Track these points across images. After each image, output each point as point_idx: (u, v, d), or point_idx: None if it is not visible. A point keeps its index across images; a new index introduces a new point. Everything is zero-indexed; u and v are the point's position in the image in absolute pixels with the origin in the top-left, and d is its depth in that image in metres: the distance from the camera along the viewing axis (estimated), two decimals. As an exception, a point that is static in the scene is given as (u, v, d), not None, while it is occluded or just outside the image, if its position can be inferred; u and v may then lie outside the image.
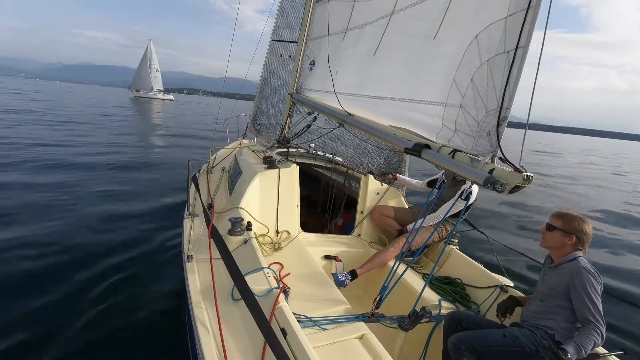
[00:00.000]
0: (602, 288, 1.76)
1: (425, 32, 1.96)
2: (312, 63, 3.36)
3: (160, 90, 60.74)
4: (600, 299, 1.71)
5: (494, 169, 1.40)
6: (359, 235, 3.23)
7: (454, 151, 1.58)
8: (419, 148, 1.70)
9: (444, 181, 1.75)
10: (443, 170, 2.80)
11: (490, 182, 1.35)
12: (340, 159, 3.92)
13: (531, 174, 1.31)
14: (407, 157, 4.54)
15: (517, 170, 1.35)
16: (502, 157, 1.45)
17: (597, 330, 1.64)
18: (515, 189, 1.34)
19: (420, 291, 2.14)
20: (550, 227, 1.93)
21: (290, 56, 4.61)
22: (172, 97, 65.20)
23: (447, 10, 1.81)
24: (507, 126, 1.46)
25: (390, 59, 2.35)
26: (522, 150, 1.36)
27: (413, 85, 2.07)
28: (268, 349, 1.43)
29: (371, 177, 3.34)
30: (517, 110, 1.32)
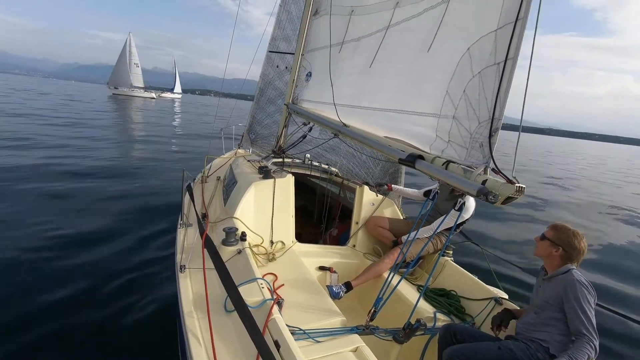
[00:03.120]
0: (596, 300, 1.76)
1: (420, 45, 2.00)
2: (309, 74, 3.40)
3: (140, 88, 58.40)
4: (593, 312, 1.71)
5: (486, 180, 1.41)
6: (354, 246, 3.22)
7: (448, 162, 1.60)
8: (412, 159, 1.71)
9: (437, 192, 1.76)
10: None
11: (483, 193, 1.35)
12: (336, 170, 3.94)
13: (523, 185, 1.32)
14: (403, 167, 4.57)
15: (509, 181, 1.36)
16: (495, 168, 1.46)
17: (591, 343, 1.64)
18: (508, 200, 1.34)
19: (414, 303, 2.13)
20: (542, 236, 1.97)
21: (286, 67, 4.66)
22: (153, 95, 63.35)
23: (441, 24, 1.85)
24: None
25: (385, 71, 2.38)
26: (514, 160, 1.37)
27: (408, 97, 2.10)
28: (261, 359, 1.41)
29: (366, 187, 3.35)
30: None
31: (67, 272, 3.76)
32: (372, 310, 2.07)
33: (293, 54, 4.38)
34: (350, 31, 2.87)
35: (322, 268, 2.82)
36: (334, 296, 2.48)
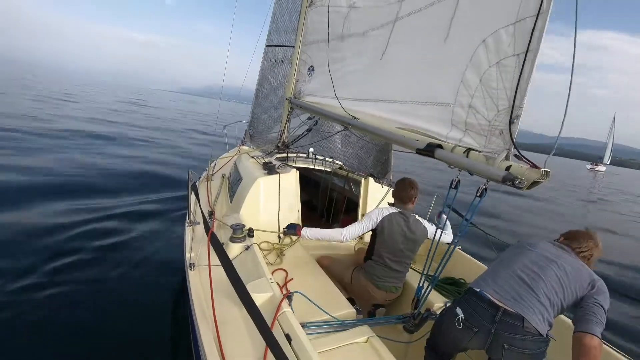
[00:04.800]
0: None
1: (433, 36, 1.99)
2: (312, 68, 3.36)
3: None
4: None
5: (510, 165, 1.43)
6: (361, 238, 3.23)
7: (468, 150, 1.61)
8: (431, 148, 1.71)
9: (459, 180, 1.75)
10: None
11: (509, 179, 1.37)
12: (340, 163, 3.93)
13: (548, 170, 1.35)
14: (392, 156, 4.64)
15: (533, 166, 1.38)
16: (518, 154, 1.48)
17: None
18: (534, 184, 1.37)
19: (424, 293, 2.16)
20: None
21: (275, 60, 4.61)
22: None
23: (455, 15, 1.85)
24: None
25: (395, 63, 2.36)
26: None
27: (420, 88, 2.10)
28: (270, 354, 1.41)
29: (371, 179, 3.36)
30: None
31: (75, 266, 3.68)
32: (415, 299, 2.14)
33: (283, 46, 4.38)
34: (353, 23, 2.84)
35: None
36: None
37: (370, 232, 2.61)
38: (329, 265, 2.74)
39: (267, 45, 4.59)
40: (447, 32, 1.88)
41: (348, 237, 2.52)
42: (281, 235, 2.86)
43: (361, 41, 2.66)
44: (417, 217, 2.61)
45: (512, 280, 1.68)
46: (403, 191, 2.58)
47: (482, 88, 1.67)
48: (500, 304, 1.60)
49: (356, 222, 2.58)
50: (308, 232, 2.60)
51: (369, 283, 2.51)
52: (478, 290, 1.70)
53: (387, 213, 2.51)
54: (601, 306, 1.57)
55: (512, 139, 1.49)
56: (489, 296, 1.64)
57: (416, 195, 2.60)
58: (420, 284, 2.12)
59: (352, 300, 2.51)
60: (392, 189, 2.69)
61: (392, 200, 2.69)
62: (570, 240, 1.88)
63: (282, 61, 4.39)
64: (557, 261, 1.71)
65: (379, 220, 2.49)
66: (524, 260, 1.75)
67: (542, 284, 1.63)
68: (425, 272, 2.10)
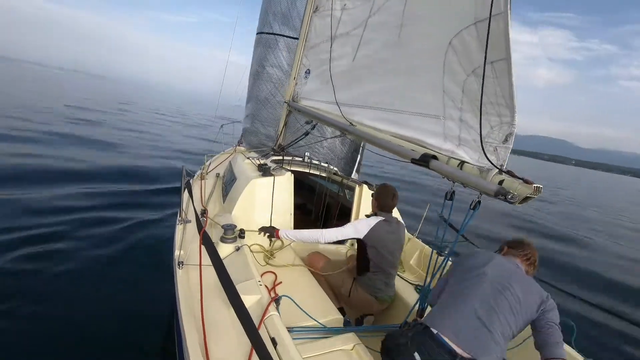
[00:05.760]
0: None
1: (395, 39, 1.97)
2: (308, 71, 3.36)
3: None
4: None
5: (503, 180, 1.43)
6: (353, 244, 3.22)
7: (462, 162, 1.61)
8: (427, 159, 1.71)
9: (454, 192, 1.69)
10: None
11: (502, 193, 1.37)
12: (335, 168, 3.92)
13: (540, 185, 1.36)
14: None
15: (526, 181, 1.39)
16: (509, 171, 1.48)
17: None
18: (525, 199, 1.37)
19: (413, 303, 2.15)
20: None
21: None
22: None
23: (404, 12, 1.81)
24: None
25: (377, 67, 2.33)
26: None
27: (402, 97, 2.07)
28: (254, 354, 1.40)
29: (365, 186, 3.36)
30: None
31: (63, 264, 3.63)
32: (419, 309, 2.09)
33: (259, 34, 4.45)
34: (342, 25, 2.85)
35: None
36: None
37: (355, 242, 2.57)
38: (322, 268, 2.66)
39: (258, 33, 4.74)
40: (399, 31, 1.83)
41: (327, 239, 2.41)
42: (272, 238, 2.85)
43: (345, 43, 2.66)
44: (396, 217, 2.61)
45: (470, 321, 1.61)
46: (389, 200, 2.54)
47: (467, 100, 1.64)
48: (459, 350, 1.54)
49: (339, 227, 2.46)
50: (288, 233, 2.51)
51: (369, 296, 2.45)
52: (435, 332, 1.61)
53: (374, 223, 2.43)
54: (555, 324, 1.61)
55: (501, 155, 1.49)
56: (449, 342, 1.56)
57: (396, 204, 2.60)
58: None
59: (341, 310, 2.46)
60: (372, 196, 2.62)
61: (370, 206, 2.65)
62: (516, 249, 1.88)
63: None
64: (511, 287, 1.66)
65: (366, 233, 2.39)
66: (482, 292, 1.67)
67: (496, 321, 1.59)
68: (425, 286, 2.08)
